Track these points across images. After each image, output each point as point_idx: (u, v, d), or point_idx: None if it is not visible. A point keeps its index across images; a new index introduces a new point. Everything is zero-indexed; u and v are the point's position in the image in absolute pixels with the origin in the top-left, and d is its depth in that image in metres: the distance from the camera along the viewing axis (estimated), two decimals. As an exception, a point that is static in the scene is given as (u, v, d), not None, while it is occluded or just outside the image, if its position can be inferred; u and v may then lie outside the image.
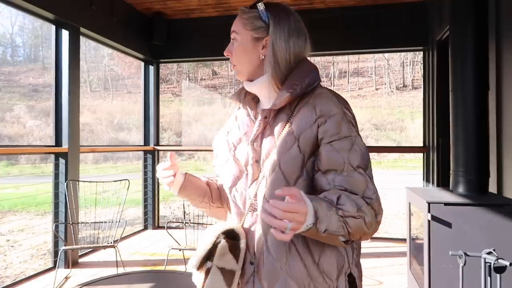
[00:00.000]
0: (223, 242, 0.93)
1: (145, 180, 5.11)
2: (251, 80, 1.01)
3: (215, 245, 0.93)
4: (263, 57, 0.97)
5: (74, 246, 3.27)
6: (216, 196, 1.12)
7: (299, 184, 0.91)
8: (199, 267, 0.94)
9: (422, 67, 4.62)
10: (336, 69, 30.38)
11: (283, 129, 0.94)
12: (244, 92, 1.05)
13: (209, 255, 0.93)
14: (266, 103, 1.01)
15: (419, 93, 21.82)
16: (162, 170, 1.02)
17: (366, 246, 4.21)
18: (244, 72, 1.01)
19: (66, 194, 3.45)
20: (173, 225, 5.19)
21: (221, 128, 1.13)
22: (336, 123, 0.91)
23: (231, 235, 0.95)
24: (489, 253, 1.55)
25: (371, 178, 0.92)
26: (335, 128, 0.90)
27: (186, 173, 1.09)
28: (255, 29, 0.97)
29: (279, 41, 0.95)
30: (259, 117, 0.97)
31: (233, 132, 1.05)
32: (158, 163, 5.20)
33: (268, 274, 0.91)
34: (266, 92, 1.01)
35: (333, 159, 0.89)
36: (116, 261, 3.16)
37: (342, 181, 0.87)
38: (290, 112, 0.95)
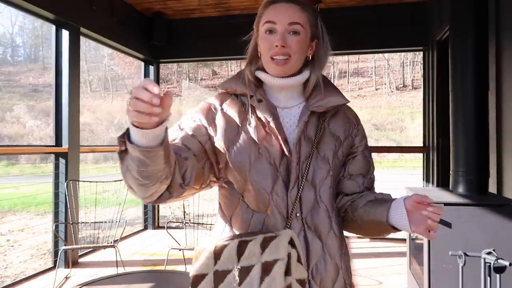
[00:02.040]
0: (293, 252, 0.84)
1: (145, 180, 5.10)
2: (286, 77, 0.95)
3: (288, 258, 0.84)
4: (310, 57, 1.00)
5: (74, 246, 3.27)
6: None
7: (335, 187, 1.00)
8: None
9: (422, 67, 4.62)
10: (336, 69, 30.37)
11: (320, 133, 0.96)
12: (253, 84, 0.97)
13: (286, 270, 0.82)
14: (288, 101, 0.97)
15: (419, 93, 21.82)
16: (149, 91, 0.63)
17: (366, 246, 4.21)
18: (294, 67, 0.95)
19: (66, 194, 3.45)
20: (173, 225, 5.19)
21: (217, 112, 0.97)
22: (364, 133, 1.05)
23: (291, 243, 0.86)
24: (488, 253, 1.55)
25: None
26: (365, 138, 1.04)
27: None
28: (314, 27, 0.99)
29: (326, 45, 1.02)
30: (303, 117, 0.94)
31: (252, 126, 0.93)
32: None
33: (331, 278, 0.94)
34: (294, 92, 0.98)
35: (367, 166, 1.02)
36: (116, 261, 3.16)
37: (368, 182, 1.02)
38: (321, 117, 0.97)
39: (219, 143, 0.91)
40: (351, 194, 1.00)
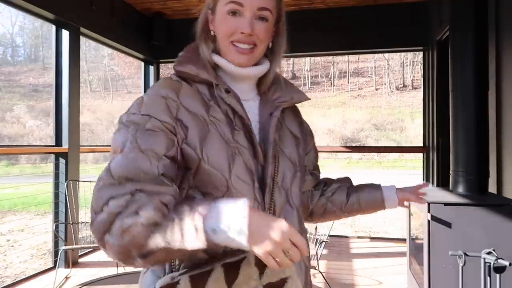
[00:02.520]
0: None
1: (145, 180, 5.11)
2: (250, 66, 0.85)
3: None
4: (271, 44, 0.89)
5: (74, 246, 3.27)
6: None
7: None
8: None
9: (422, 67, 4.62)
10: (336, 69, 30.38)
11: (281, 131, 0.89)
12: (213, 72, 0.84)
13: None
14: (245, 94, 0.87)
15: (419, 93, 21.83)
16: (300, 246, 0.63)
17: (366, 246, 4.21)
18: (258, 57, 0.85)
19: (66, 194, 3.45)
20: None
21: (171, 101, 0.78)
22: (310, 127, 1.05)
23: None
24: (488, 253, 1.55)
25: None
26: (311, 130, 1.05)
27: None
28: (279, 11, 0.87)
29: (284, 32, 0.91)
30: (275, 113, 0.86)
31: (222, 122, 0.79)
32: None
33: (301, 279, 0.88)
34: (251, 83, 0.89)
35: (316, 156, 1.06)
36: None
37: (318, 168, 1.08)
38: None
39: (191, 150, 0.75)
40: (314, 187, 1.05)
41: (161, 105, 0.75)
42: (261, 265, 0.70)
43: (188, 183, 0.77)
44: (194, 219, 0.61)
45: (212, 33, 0.86)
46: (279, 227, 0.61)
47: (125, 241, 0.63)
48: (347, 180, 1.09)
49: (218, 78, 0.83)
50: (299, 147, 0.92)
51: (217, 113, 0.79)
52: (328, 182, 1.08)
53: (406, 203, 1.06)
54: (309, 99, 0.96)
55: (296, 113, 0.99)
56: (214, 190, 0.76)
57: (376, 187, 1.05)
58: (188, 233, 0.61)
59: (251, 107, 0.86)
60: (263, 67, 0.87)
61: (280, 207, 0.83)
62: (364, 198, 1.03)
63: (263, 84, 0.90)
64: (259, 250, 0.61)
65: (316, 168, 1.06)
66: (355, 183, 1.11)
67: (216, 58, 0.85)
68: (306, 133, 1.00)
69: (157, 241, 0.62)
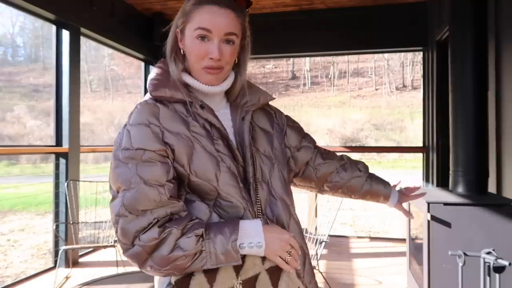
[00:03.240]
0: None
1: (145, 180, 5.11)
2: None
3: None
4: (237, 59, 0.96)
5: (75, 246, 3.28)
6: None
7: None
8: None
9: (422, 67, 4.62)
10: (336, 69, 30.38)
11: (252, 131, 0.96)
12: (185, 90, 0.90)
13: None
14: (217, 104, 0.94)
15: (419, 93, 21.83)
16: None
17: (366, 246, 4.21)
18: (225, 76, 0.93)
19: (67, 194, 3.45)
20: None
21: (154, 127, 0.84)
22: (281, 111, 1.12)
23: None
24: (488, 253, 1.56)
25: None
26: (283, 114, 1.11)
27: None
28: (244, 31, 0.93)
29: (249, 47, 0.97)
30: (246, 117, 0.94)
31: (202, 135, 0.87)
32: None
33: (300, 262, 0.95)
34: (221, 95, 0.96)
35: (299, 129, 1.13)
36: (116, 261, 3.17)
37: (310, 139, 1.15)
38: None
39: (181, 167, 0.83)
40: (307, 162, 1.10)
41: (148, 134, 0.82)
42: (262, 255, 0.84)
43: (185, 190, 0.87)
44: (232, 245, 0.78)
45: (181, 51, 0.93)
46: (282, 238, 0.83)
47: (169, 267, 0.78)
48: (366, 168, 1.19)
49: (191, 95, 0.89)
50: (273, 140, 1.00)
51: (196, 128, 0.86)
52: (346, 164, 1.16)
53: (405, 205, 1.21)
54: (274, 98, 1.04)
55: (264, 109, 1.05)
56: (206, 196, 0.85)
57: (387, 189, 1.19)
58: (229, 257, 0.79)
59: (224, 115, 0.94)
60: (230, 81, 0.94)
61: (265, 200, 0.91)
62: (374, 193, 1.17)
63: (231, 94, 0.98)
64: (271, 256, 0.83)
65: (304, 139, 1.10)
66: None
67: (187, 79, 0.91)
68: (278, 122, 1.06)
69: (199, 265, 0.78)
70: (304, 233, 1.09)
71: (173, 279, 0.82)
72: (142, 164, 0.80)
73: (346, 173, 1.14)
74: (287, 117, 1.11)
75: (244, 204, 0.86)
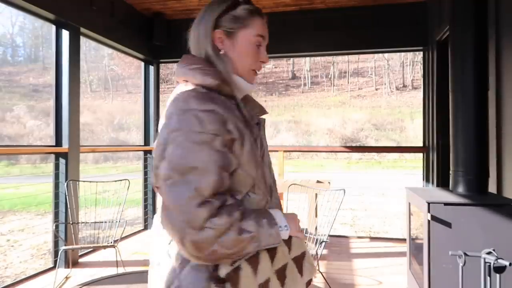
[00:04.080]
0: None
1: (145, 180, 5.11)
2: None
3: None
4: None
5: (74, 246, 3.27)
6: None
7: None
8: None
9: (422, 67, 4.62)
10: (336, 69, 30.38)
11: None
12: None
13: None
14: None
15: (419, 93, 21.83)
16: None
17: (366, 246, 4.21)
18: None
19: (66, 194, 3.45)
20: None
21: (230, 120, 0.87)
22: None
23: None
24: (488, 253, 1.55)
25: None
26: None
27: None
28: None
29: None
30: (261, 122, 1.01)
31: (248, 131, 0.92)
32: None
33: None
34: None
35: None
36: (116, 261, 3.16)
37: None
38: None
39: (233, 156, 0.86)
40: None
41: (219, 121, 0.84)
42: (289, 244, 0.94)
43: None
44: (275, 228, 0.88)
45: (222, 51, 0.96)
46: (296, 219, 0.95)
47: (233, 250, 0.81)
48: None
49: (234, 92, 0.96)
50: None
51: (241, 123, 0.89)
52: None
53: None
54: (267, 113, 1.11)
55: None
56: (241, 189, 0.89)
57: None
58: (274, 239, 0.87)
59: None
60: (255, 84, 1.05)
61: (276, 201, 1.01)
62: None
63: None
64: (294, 233, 0.93)
65: None
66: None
67: (236, 78, 0.96)
68: None
69: (253, 247, 0.84)
70: (304, 233, 1.19)
71: (223, 273, 0.84)
72: (217, 151, 0.82)
73: None
74: None
75: (267, 199, 0.95)
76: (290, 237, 0.93)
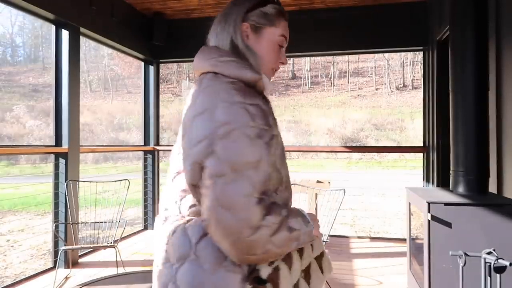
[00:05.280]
0: None
1: (145, 180, 5.11)
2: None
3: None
4: None
5: (74, 246, 3.27)
6: None
7: None
8: None
9: (422, 67, 4.62)
10: (336, 69, 30.37)
11: None
12: None
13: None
14: None
15: (419, 93, 21.82)
16: None
17: (366, 246, 4.21)
18: None
19: (66, 194, 3.45)
20: (173, 225, 5.16)
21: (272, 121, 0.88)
22: None
23: None
24: (489, 253, 1.55)
25: None
26: None
27: None
28: None
29: None
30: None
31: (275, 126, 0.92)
32: (158, 163, 5.21)
33: None
34: None
35: None
36: (116, 261, 3.16)
37: None
38: None
39: (275, 155, 0.86)
40: None
41: (266, 115, 0.83)
42: (311, 244, 0.93)
43: None
44: (308, 226, 0.87)
45: (246, 47, 0.95)
46: (316, 218, 0.92)
47: (283, 249, 0.81)
48: None
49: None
50: None
51: (272, 118, 0.87)
52: None
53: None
54: None
55: None
56: (274, 186, 0.86)
57: None
58: (309, 236, 0.88)
59: None
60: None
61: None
62: None
63: None
64: (316, 232, 0.90)
65: None
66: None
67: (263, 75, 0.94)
68: None
69: (295, 245, 0.84)
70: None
71: (265, 274, 0.82)
72: (268, 147, 0.80)
73: None
74: None
75: (291, 195, 0.96)
76: None
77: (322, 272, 0.97)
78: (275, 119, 0.89)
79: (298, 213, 0.88)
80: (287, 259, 0.86)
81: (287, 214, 0.82)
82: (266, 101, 0.89)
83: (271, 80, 1.01)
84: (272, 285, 0.82)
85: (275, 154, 0.83)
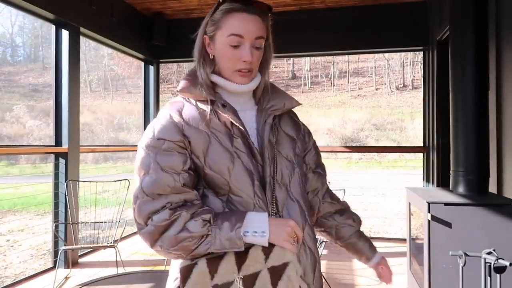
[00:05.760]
0: None
1: (145, 180, 5.11)
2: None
3: None
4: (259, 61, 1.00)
5: (74, 246, 3.27)
6: None
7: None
8: None
9: (422, 67, 4.62)
10: (336, 69, 30.37)
11: (277, 134, 1.00)
12: (210, 88, 0.96)
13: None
14: (243, 105, 1.00)
15: (419, 93, 21.82)
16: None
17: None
18: (254, 75, 0.99)
19: (66, 194, 3.45)
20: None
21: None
22: (309, 130, 1.13)
23: None
24: (489, 253, 1.55)
25: None
26: (311, 134, 1.13)
27: None
28: (268, 32, 1.00)
29: (271, 46, 1.03)
30: (268, 120, 0.98)
31: (221, 132, 0.93)
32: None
33: (311, 268, 0.99)
34: (247, 95, 1.01)
35: (318, 157, 1.14)
36: (116, 261, 3.16)
37: (323, 169, 1.16)
38: (274, 119, 1.01)
39: (196, 159, 0.90)
40: (315, 189, 1.11)
41: (169, 126, 0.90)
42: (267, 251, 0.85)
43: (202, 184, 0.92)
44: (236, 232, 0.83)
45: (210, 56, 0.98)
46: (288, 225, 0.87)
47: (177, 248, 0.84)
48: (359, 222, 1.19)
49: (215, 95, 0.96)
50: (296, 147, 1.03)
51: (216, 125, 0.92)
52: (344, 211, 1.18)
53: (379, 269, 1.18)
54: (300, 104, 1.07)
55: (292, 116, 1.10)
56: (220, 190, 0.91)
57: (372, 250, 1.18)
58: (233, 243, 0.83)
59: (249, 116, 0.99)
60: (256, 82, 1.00)
61: (282, 202, 0.95)
62: (358, 248, 1.17)
63: (256, 94, 1.03)
64: (278, 242, 0.86)
65: (319, 166, 1.13)
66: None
67: (216, 79, 0.97)
68: (303, 133, 1.09)
69: (204, 248, 0.83)
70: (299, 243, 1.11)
71: (179, 265, 0.86)
72: (161, 153, 0.88)
73: (341, 217, 1.16)
74: (313, 139, 1.15)
75: (255, 200, 0.91)
76: (272, 244, 0.86)
77: (275, 286, 0.84)
78: (226, 124, 0.93)
79: (230, 217, 0.85)
80: (213, 259, 0.84)
81: (188, 216, 0.84)
82: (213, 107, 0.94)
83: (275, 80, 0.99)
84: (181, 276, 0.84)
85: (198, 159, 0.90)
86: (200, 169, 0.91)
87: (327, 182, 1.17)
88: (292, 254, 0.87)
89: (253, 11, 0.93)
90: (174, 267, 0.94)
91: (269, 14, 0.99)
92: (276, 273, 0.85)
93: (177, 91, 0.98)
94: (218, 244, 0.83)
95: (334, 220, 1.15)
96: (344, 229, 1.15)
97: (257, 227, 0.85)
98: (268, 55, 1.02)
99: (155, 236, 0.84)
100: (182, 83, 0.98)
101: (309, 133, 1.12)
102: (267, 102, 1.01)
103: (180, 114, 0.93)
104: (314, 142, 1.13)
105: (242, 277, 0.84)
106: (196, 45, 1.00)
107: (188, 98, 0.97)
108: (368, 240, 1.18)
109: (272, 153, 0.96)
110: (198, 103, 0.96)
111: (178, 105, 0.95)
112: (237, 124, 0.92)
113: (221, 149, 0.90)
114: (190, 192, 0.88)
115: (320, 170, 1.12)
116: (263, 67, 1.02)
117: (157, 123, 0.92)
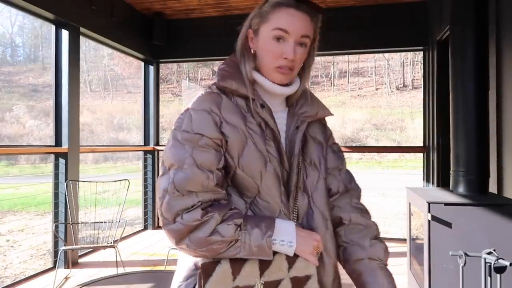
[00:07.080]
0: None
1: (145, 180, 5.11)
2: (285, 85, 0.95)
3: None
4: (302, 64, 0.96)
5: (74, 246, 3.27)
6: None
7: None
8: None
9: (422, 67, 4.62)
10: (336, 69, 30.37)
11: (304, 140, 0.97)
12: (251, 87, 0.92)
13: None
14: (277, 107, 0.97)
15: (419, 93, 21.81)
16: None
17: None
18: (294, 76, 0.96)
19: (66, 194, 3.44)
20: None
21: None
22: (331, 131, 1.10)
23: None
24: (489, 253, 1.55)
25: None
26: (332, 134, 1.09)
27: None
28: (315, 35, 0.97)
29: (315, 51, 1.00)
30: (300, 127, 0.95)
31: (257, 133, 0.89)
32: (158, 163, 5.21)
33: (331, 277, 0.97)
34: (282, 98, 0.98)
35: (339, 159, 1.07)
36: (116, 261, 3.16)
37: (344, 177, 1.08)
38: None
39: (230, 159, 0.87)
40: (334, 192, 1.02)
41: (208, 121, 0.86)
42: (290, 260, 0.85)
43: (227, 182, 0.90)
44: (266, 240, 0.82)
45: (252, 51, 0.95)
46: (314, 238, 0.87)
47: (205, 249, 0.82)
48: (386, 256, 1.08)
49: (255, 93, 0.92)
50: (324, 153, 1.01)
51: (252, 125, 0.89)
52: (364, 236, 1.03)
53: None
54: (332, 114, 1.05)
55: (321, 122, 1.06)
56: (247, 192, 0.89)
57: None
58: (262, 250, 0.82)
59: (280, 119, 0.95)
60: (295, 87, 0.97)
61: (304, 211, 0.93)
62: (363, 279, 1.03)
63: (291, 99, 0.99)
64: (303, 254, 0.86)
65: (337, 169, 1.05)
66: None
67: (257, 77, 0.94)
68: (328, 137, 1.06)
69: (232, 253, 0.82)
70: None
71: (200, 262, 0.85)
72: (198, 148, 0.85)
73: (361, 243, 1.02)
74: (334, 139, 1.10)
75: (281, 207, 0.89)
76: (296, 255, 0.85)
77: None
78: (261, 125, 0.89)
79: (260, 224, 0.83)
80: (237, 260, 0.83)
81: (220, 218, 0.81)
82: (248, 104, 0.90)
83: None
84: (202, 272, 0.83)
85: (232, 159, 0.87)
86: (231, 169, 0.88)
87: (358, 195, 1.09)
88: (314, 268, 0.87)
89: (303, 9, 0.90)
90: (184, 265, 0.91)
91: (320, 16, 0.95)
92: (298, 284, 0.85)
93: (217, 81, 0.92)
94: (248, 250, 0.82)
95: (349, 239, 1.04)
96: (355, 253, 1.05)
97: (285, 236, 0.85)
98: (311, 59, 0.99)
99: (183, 234, 0.82)
100: (222, 73, 0.93)
101: (331, 135, 1.09)
102: (299, 107, 0.98)
103: (219, 109, 0.88)
104: (334, 144, 1.09)
105: (263, 282, 0.83)
106: (240, 38, 0.97)
107: (224, 91, 0.92)
108: (383, 278, 1.09)
109: (298, 160, 0.93)
110: (237, 99, 0.92)
111: (217, 99, 0.90)
112: (273, 127, 0.90)
113: (256, 152, 0.87)
114: (220, 191, 0.86)
115: (335, 173, 1.06)
116: (304, 71, 0.99)
117: (195, 115, 0.87)
